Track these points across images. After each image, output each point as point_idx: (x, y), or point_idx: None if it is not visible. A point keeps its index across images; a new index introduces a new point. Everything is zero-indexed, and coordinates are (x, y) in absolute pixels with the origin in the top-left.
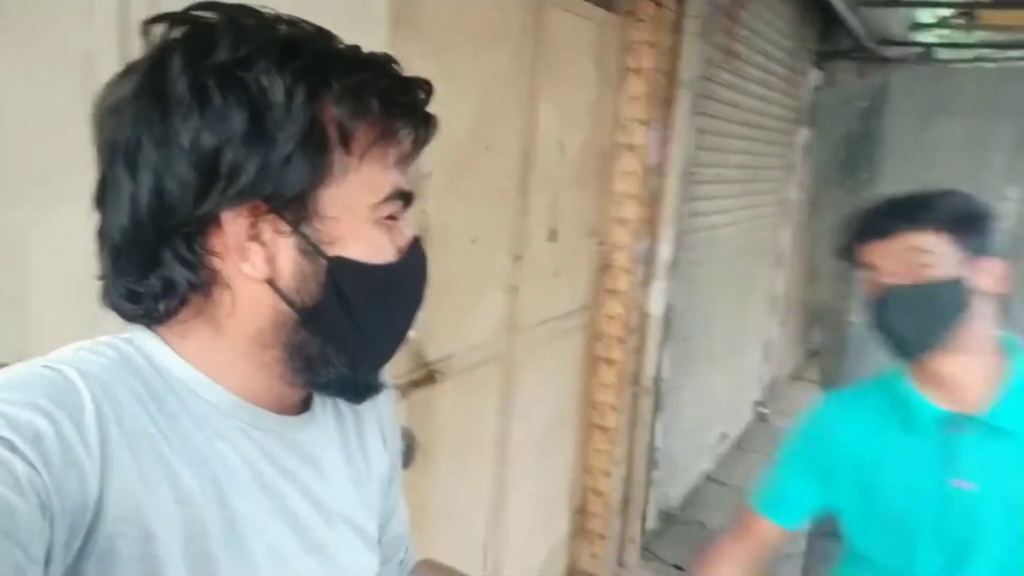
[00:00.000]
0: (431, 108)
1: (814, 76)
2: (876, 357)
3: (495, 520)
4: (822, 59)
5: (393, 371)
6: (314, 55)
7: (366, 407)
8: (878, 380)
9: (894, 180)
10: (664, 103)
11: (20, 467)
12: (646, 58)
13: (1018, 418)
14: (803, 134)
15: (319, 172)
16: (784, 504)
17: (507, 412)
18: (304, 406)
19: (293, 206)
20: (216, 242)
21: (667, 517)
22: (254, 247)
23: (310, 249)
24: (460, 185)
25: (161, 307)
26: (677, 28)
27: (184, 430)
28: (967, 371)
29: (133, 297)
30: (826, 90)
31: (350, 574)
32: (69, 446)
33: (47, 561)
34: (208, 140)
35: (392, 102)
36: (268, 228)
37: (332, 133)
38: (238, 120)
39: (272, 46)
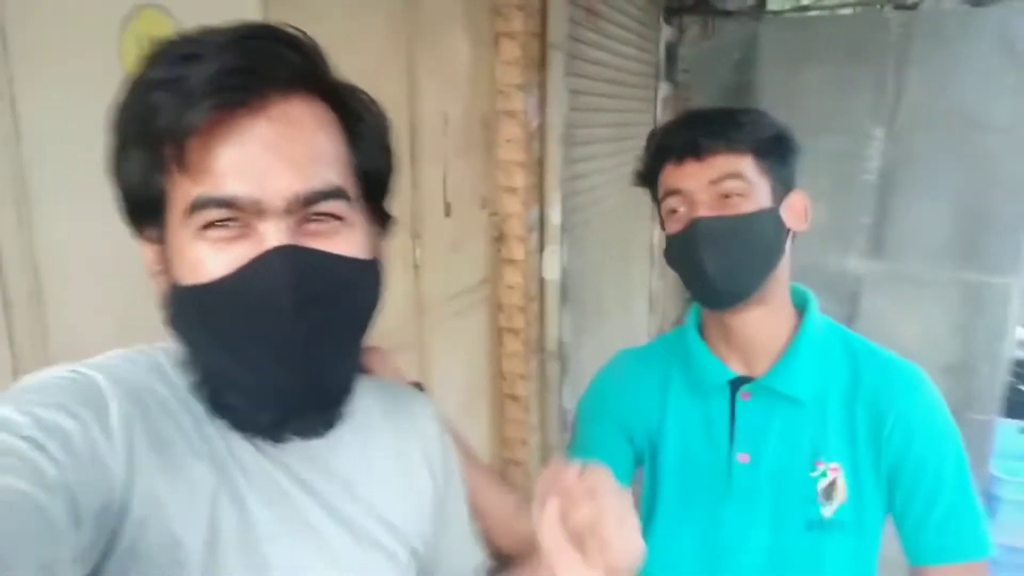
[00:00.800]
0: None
1: (666, 31)
2: None
3: None
4: (670, 14)
5: None
6: (149, 59)
7: (401, 423)
8: (668, 336)
9: None
10: (538, 66)
11: (49, 468)
12: (516, 21)
13: (804, 383)
14: (664, 88)
15: (148, 196)
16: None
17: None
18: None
19: (159, 234)
20: None
21: None
22: (155, 272)
23: (163, 274)
24: None
25: None
26: None
27: (209, 438)
28: (761, 327)
29: None
30: (699, 44)
31: None
32: (96, 448)
33: (73, 560)
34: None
35: (172, 98)
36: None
37: (154, 155)
38: (113, 145)
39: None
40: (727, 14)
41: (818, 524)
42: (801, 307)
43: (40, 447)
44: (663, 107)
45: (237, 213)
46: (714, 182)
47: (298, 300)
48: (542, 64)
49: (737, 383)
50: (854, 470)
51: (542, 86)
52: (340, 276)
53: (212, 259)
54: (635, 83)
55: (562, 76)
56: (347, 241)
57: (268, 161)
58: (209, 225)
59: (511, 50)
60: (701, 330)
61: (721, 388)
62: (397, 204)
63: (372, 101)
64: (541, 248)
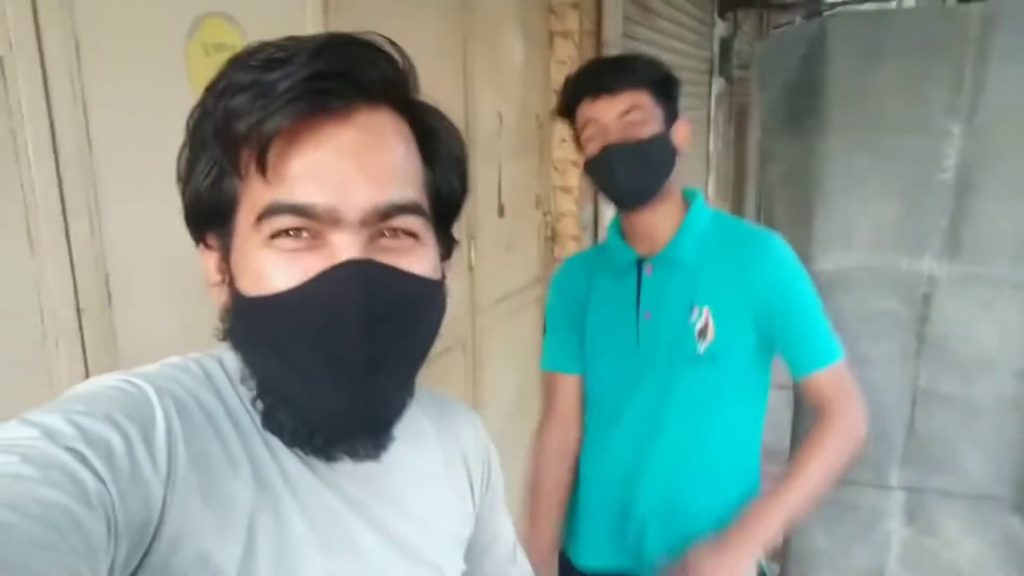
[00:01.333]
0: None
1: (720, 26)
2: (837, 300)
3: None
4: (724, 8)
5: None
6: (227, 69)
7: (447, 438)
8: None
9: (841, 125)
10: None
11: (90, 481)
12: (571, 19)
13: (688, 252)
14: (717, 84)
15: (226, 199)
16: (563, 353)
17: (475, 396)
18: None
19: (223, 243)
20: None
21: None
22: (216, 280)
23: (225, 283)
24: None
25: None
26: None
27: (255, 454)
28: (661, 219)
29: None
30: (761, 40)
31: None
32: (138, 463)
33: (108, 575)
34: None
35: (266, 106)
36: (223, 262)
37: (237, 159)
38: (184, 159)
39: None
40: (783, 7)
41: (696, 359)
42: (690, 202)
43: (83, 460)
44: (717, 103)
45: (310, 222)
46: (621, 114)
47: (369, 318)
48: None
49: (642, 263)
50: (722, 315)
51: None
52: (412, 296)
53: (280, 269)
54: (689, 80)
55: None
56: (420, 259)
57: (348, 170)
58: (279, 234)
59: (565, 49)
60: (619, 230)
61: (630, 267)
62: None
63: (451, 123)
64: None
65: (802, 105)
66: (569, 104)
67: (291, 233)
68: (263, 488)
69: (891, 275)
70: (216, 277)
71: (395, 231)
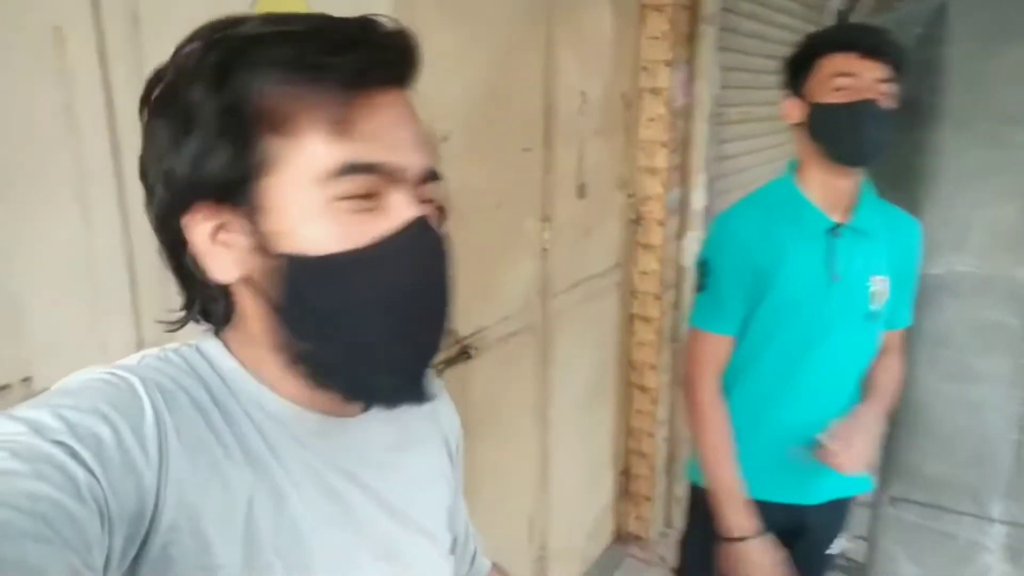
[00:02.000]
0: (437, 65)
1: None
2: (945, 306)
3: (540, 490)
4: None
5: None
6: (237, 40)
7: (426, 415)
8: (767, 191)
9: (959, 115)
10: (687, 41)
11: (81, 474)
12: None
13: (871, 221)
14: None
15: (248, 158)
16: (726, 315)
17: (545, 380)
18: (364, 406)
19: (240, 202)
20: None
21: None
22: (216, 250)
23: (259, 246)
24: (480, 146)
25: (212, 317)
26: None
27: (245, 437)
28: (855, 185)
29: (202, 313)
30: (874, 16)
31: None
32: (128, 454)
33: (105, 568)
34: (148, 160)
35: (332, 69)
36: (224, 230)
37: (260, 116)
38: (166, 132)
39: (200, 49)
40: None
41: (870, 315)
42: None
43: (72, 453)
44: None
45: (377, 181)
46: (879, 81)
47: (443, 268)
48: (691, 38)
49: (831, 229)
50: (892, 281)
51: (691, 62)
52: (451, 252)
53: (350, 226)
54: None
55: (713, 51)
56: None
57: (405, 134)
58: (347, 193)
59: (658, 24)
60: (802, 195)
61: (821, 233)
62: (528, 186)
63: None
64: (681, 233)
65: (917, 88)
66: (818, 50)
67: (356, 194)
68: (257, 471)
69: (1006, 284)
70: (219, 247)
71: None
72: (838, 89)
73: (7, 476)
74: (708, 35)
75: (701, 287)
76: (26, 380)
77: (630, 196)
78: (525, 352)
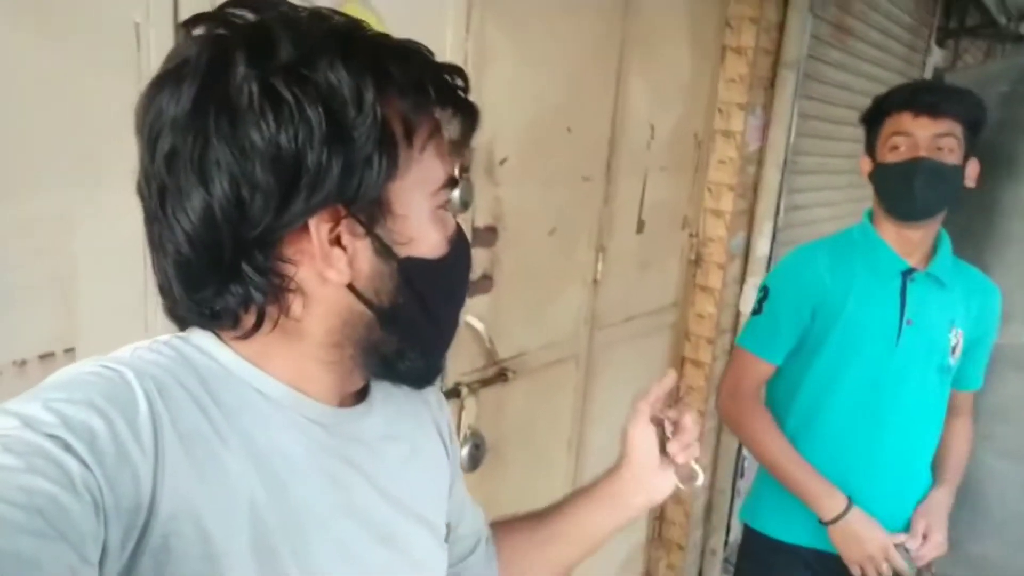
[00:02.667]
0: (503, 88)
1: (936, 55)
2: (1007, 379)
3: None
4: (945, 36)
5: (462, 368)
6: (369, 47)
7: (415, 400)
8: (844, 234)
9: None
10: (766, 85)
11: (75, 467)
12: (747, 35)
13: (947, 273)
14: None
15: (392, 170)
16: (775, 344)
17: (584, 413)
18: (361, 396)
19: (368, 207)
20: (292, 249)
21: None
22: (336, 252)
23: (383, 251)
24: (538, 170)
25: (240, 323)
26: (784, 2)
27: (243, 427)
28: (927, 237)
29: (212, 315)
30: (957, 72)
31: (423, 567)
32: (123, 446)
33: (102, 560)
34: (287, 144)
35: (446, 91)
36: (346, 232)
37: (398, 127)
38: (315, 120)
39: (330, 41)
40: (1019, 39)
41: (945, 368)
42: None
43: (66, 446)
44: None
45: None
46: (936, 136)
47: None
48: (771, 83)
49: (906, 272)
50: (966, 336)
51: (768, 107)
52: None
53: (442, 232)
54: None
55: (792, 98)
56: None
57: None
58: (442, 203)
59: (737, 66)
60: (881, 239)
61: (896, 275)
62: (584, 215)
63: None
64: (742, 279)
65: (995, 149)
66: (883, 110)
67: (446, 202)
68: (258, 461)
69: None
70: (337, 249)
71: None
72: (894, 148)
73: (0, 471)
74: (788, 81)
75: (756, 310)
76: (69, 351)
77: (692, 236)
78: (565, 381)
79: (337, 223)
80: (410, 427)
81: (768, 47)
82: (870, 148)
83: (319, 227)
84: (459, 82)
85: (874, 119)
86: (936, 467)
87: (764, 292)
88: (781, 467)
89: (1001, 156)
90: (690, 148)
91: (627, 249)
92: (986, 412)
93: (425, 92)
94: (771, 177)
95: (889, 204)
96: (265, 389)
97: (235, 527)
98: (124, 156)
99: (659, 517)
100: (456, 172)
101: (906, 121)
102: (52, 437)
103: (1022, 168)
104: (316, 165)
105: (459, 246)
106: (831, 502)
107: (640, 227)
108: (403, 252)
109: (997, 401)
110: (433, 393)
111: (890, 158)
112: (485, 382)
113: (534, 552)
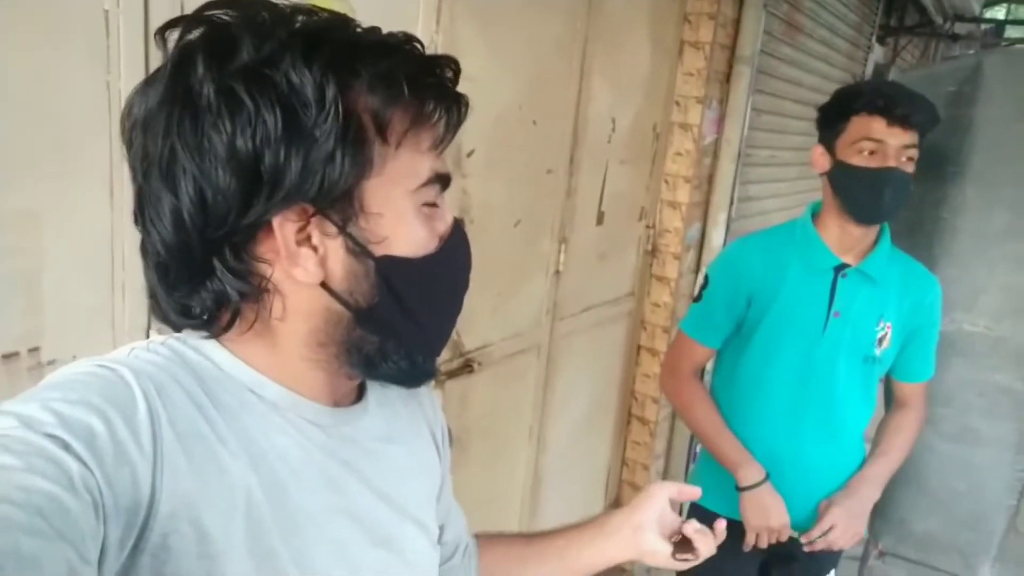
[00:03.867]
0: (471, 83)
1: (877, 52)
2: (951, 365)
3: (530, 512)
4: (886, 34)
5: None
6: (338, 44)
7: (411, 403)
8: (784, 227)
9: (984, 175)
10: (722, 79)
11: (74, 466)
12: (705, 30)
13: (880, 269)
14: None
15: (361, 167)
16: (712, 329)
17: (545, 403)
18: (357, 396)
19: (339, 205)
20: (264, 248)
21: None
22: (304, 251)
23: (358, 250)
24: (504, 163)
25: (216, 322)
26: None
27: (241, 427)
28: (871, 233)
29: (187, 312)
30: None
31: (418, 568)
32: (122, 445)
33: (101, 559)
34: (244, 145)
35: (423, 84)
36: (316, 231)
37: (368, 124)
38: (272, 121)
39: (294, 40)
40: (954, 38)
41: (870, 359)
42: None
43: (65, 446)
44: None
45: (440, 189)
46: (905, 147)
47: (471, 262)
48: (727, 78)
49: (838, 268)
50: (896, 331)
51: (723, 101)
52: None
53: (428, 230)
54: None
55: (747, 92)
56: None
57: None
58: (427, 200)
59: (695, 61)
60: (818, 234)
61: (828, 270)
62: (548, 207)
63: None
64: (697, 268)
65: (942, 148)
66: (852, 109)
67: (434, 199)
68: (256, 462)
69: (1015, 349)
70: (306, 248)
71: None
72: (862, 152)
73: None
74: (743, 76)
75: (697, 297)
76: (34, 350)
77: (649, 227)
78: (528, 372)
79: (307, 223)
80: (405, 428)
81: (724, 42)
82: (828, 143)
83: (283, 226)
84: (448, 74)
85: (838, 115)
86: (871, 451)
87: (705, 280)
88: (708, 435)
89: (948, 154)
90: (648, 141)
91: (587, 240)
92: (931, 397)
93: (398, 86)
94: (726, 169)
95: (851, 206)
96: (261, 391)
97: (233, 526)
98: (93, 149)
99: (615, 503)
100: (446, 167)
101: (878, 127)
102: (51, 437)
103: (966, 166)
104: (274, 165)
105: (453, 245)
106: (749, 470)
107: (600, 219)
108: (379, 251)
109: (941, 386)
110: (428, 396)
111: (857, 161)
112: (451, 374)
113: (514, 568)
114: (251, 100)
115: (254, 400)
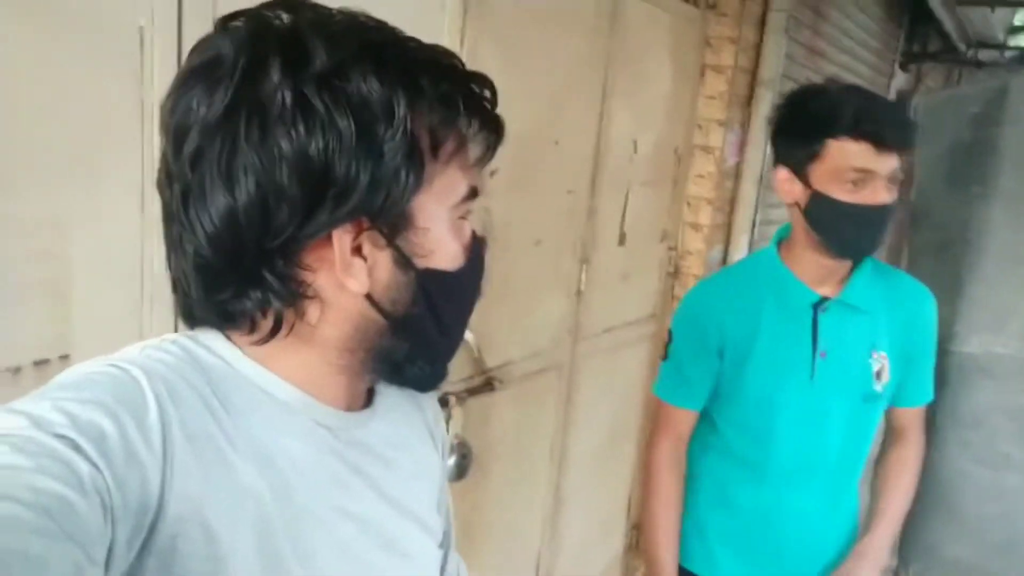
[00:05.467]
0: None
1: (900, 78)
2: (980, 387)
3: (550, 532)
4: (908, 60)
5: (450, 378)
6: (403, 60)
7: (413, 407)
8: (747, 263)
9: (1012, 195)
10: (743, 103)
11: (83, 467)
12: (727, 54)
13: (862, 296)
14: None
15: (420, 184)
16: (686, 389)
17: (566, 422)
18: (366, 401)
19: (392, 219)
20: (313, 257)
21: None
22: (357, 262)
23: (403, 262)
24: (526, 183)
25: (260, 328)
26: (761, 23)
27: (250, 427)
28: (846, 264)
29: (228, 317)
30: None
31: (423, 572)
32: (132, 447)
33: (108, 560)
34: (316, 154)
35: (474, 104)
36: (367, 242)
37: (425, 141)
38: (345, 131)
39: (365, 52)
40: (978, 65)
41: (871, 396)
42: None
43: (75, 446)
44: None
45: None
46: (894, 171)
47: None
48: (748, 101)
49: (816, 303)
50: (894, 359)
51: (745, 124)
52: None
53: (460, 243)
54: None
55: (768, 115)
56: None
57: None
58: (464, 214)
59: (716, 84)
60: (787, 268)
61: (806, 307)
62: (569, 228)
63: None
64: None
65: (968, 169)
66: (832, 131)
67: (467, 213)
68: (264, 463)
69: None
70: (358, 259)
71: None
72: (846, 183)
73: (9, 470)
74: (765, 99)
75: (663, 355)
76: (64, 357)
77: (671, 249)
78: (549, 391)
79: (359, 233)
80: (409, 432)
81: (746, 66)
82: (797, 168)
83: (342, 238)
84: (487, 93)
85: (809, 136)
86: (874, 506)
87: (669, 335)
88: (653, 534)
89: (973, 175)
90: (670, 163)
91: (609, 261)
92: (961, 420)
93: (455, 106)
94: (748, 191)
95: (832, 243)
96: (273, 391)
97: (241, 528)
98: (124, 160)
99: (636, 526)
100: (480, 184)
101: (866, 156)
102: (61, 437)
103: (992, 186)
104: (344, 177)
105: (474, 255)
106: None
107: (622, 239)
108: (422, 264)
109: (970, 410)
110: (430, 404)
111: (841, 195)
112: (472, 391)
113: None
114: (325, 109)
115: (265, 400)
